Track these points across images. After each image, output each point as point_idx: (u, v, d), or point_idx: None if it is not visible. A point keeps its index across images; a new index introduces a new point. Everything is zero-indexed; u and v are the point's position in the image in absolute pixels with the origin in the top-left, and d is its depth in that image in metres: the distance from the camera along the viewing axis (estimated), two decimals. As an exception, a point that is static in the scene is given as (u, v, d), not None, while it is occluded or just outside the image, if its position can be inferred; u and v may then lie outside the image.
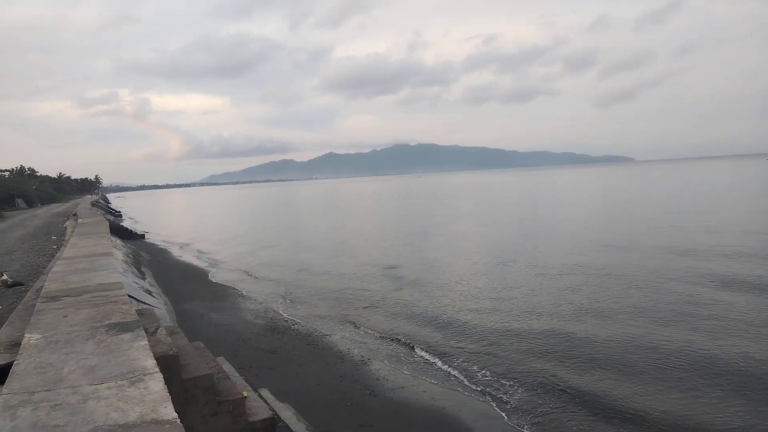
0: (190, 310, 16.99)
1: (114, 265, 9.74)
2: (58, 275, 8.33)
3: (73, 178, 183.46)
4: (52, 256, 16.65)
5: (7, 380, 3.62)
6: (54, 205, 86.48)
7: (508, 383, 10.64)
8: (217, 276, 24.66)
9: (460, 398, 10.20)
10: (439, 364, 12.00)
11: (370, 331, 14.73)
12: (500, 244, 29.56)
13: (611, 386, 10.15)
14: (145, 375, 3.60)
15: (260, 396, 7.15)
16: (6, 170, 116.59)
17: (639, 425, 8.67)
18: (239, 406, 5.54)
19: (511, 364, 11.59)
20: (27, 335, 4.77)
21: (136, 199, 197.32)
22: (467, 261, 24.87)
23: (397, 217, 54.52)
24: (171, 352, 5.02)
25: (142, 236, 42.26)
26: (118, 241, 30.12)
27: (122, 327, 4.93)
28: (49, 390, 3.41)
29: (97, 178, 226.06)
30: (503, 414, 9.40)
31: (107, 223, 26.40)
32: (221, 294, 20.21)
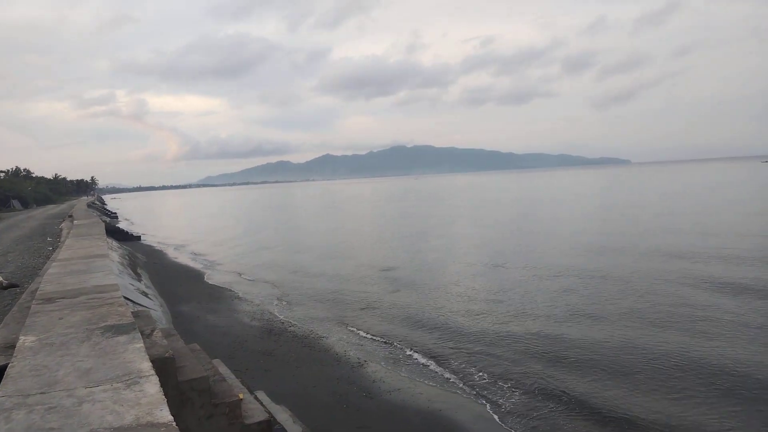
0: (186, 311, 16.95)
1: (110, 266, 9.71)
2: (53, 277, 8.30)
3: (69, 179, 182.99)
4: (48, 257, 16.58)
5: (1, 383, 3.60)
6: (50, 206, 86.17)
7: (505, 385, 10.65)
8: (213, 278, 24.62)
9: (456, 400, 10.20)
10: (436, 366, 12.00)
11: (366, 333, 14.72)
12: (497, 246, 29.59)
13: (607, 390, 10.17)
14: (140, 378, 3.59)
15: (256, 398, 7.13)
16: (1, 171, 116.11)
17: (633, 430, 8.68)
18: (235, 408, 5.53)
19: (507, 367, 11.60)
20: (22, 337, 4.75)
21: (133, 201, 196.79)
22: (463, 263, 24.89)
23: (394, 219, 54.51)
24: (167, 355, 5.00)
25: (138, 238, 42.15)
26: (114, 243, 30.03)
27: (118, 329, 4.91)
28: (44, 393, 3.39)
29: (93, 179, 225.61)
30: (499, 417, 9.41)
31: (103, 224, 26.32)
32: (217, 296, 20.17)
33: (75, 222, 27.38)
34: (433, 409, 9.77)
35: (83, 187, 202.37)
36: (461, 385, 10.89)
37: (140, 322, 5.87)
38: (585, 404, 9.58)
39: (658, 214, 41.46)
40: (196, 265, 28.89)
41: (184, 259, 31.90)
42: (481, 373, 11.35)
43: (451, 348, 13.06)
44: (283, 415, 8.20)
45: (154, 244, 39.66)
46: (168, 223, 70.18)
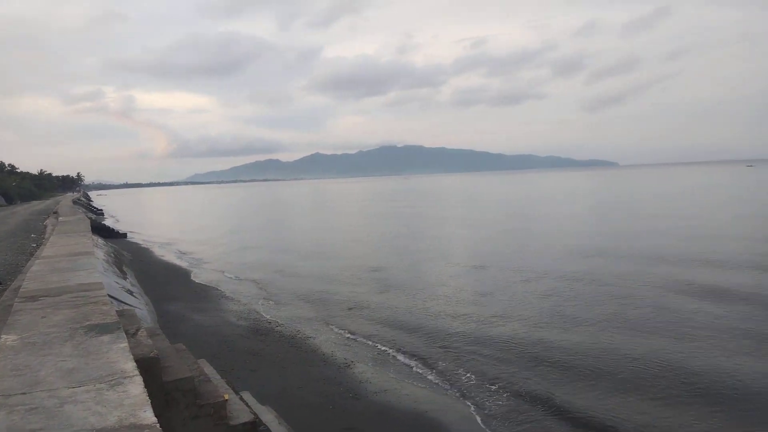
0: (171, 310, 16.82)
1: (95, 264, 9.60)
2: (37, 274, 8.19)
3: (54, 175, 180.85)
4: (32, 254, 16.39)
5: (-19, 383, 3.55)
6: (34, 202, 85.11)
7: (492, 387, 10.68)
8: (199, 276, 24.45)
9: (443, 402, 10.22)
10: (423, 367, 12.01)
11: (353, 334, 14.70)
12: (485, 247, 29.73)
13: (591, 394, 10.24)
14: (124, 378, 3.55)
15: (242, 399, 7.09)
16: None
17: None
18: (220, 409, 5.49)
19: (494, 369, 11.64)
20: (3, 336, 4.68)
21: (119, 198, 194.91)
22: (451, 263, 24.96)
23: (382, 219, 54.50)
24: (152, 355, 4.95)
25: (124, 235, 41.76)
26: (100, 240, 29.73)
27: (102, 328, 4.85)
28: (25, 393, 3.34)
29: (79, 175, 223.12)
30: (484, 420, 9.43)
31: (88, 221, 26.05)
32: (204, 295, 20.04)
33: (60, 219, 27.08)
34: (420, 410, 9.78)
35: (69, 183, 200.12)
36: (448, 386, 10.92)
37: (125, 322, 5.81)
38: (569, 408, 9.62)
39: (644, 216, 41.89)
40: (182, 264, 28.68)
41: (170, 257, 31.65)
42: (468, 375, 11.38)
43: (439, 349, 13.09)
44: (268, 416, 8.16)
45: (140, 242, 39.32)
46: (154, 221, 69.61)
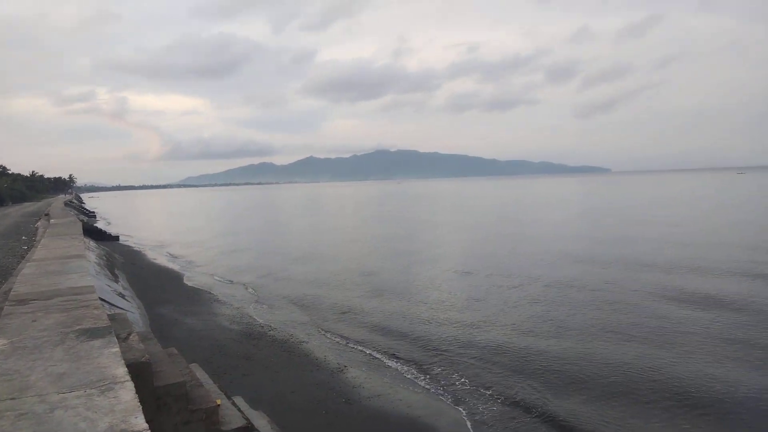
0: (164, 314, 16.71)
1: (86, 267, 9.54)
2: (27, 277, 8.13)
3: (46, 176, 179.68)
4: (22, 257, 16.25)
5: (-30, 388, 3.50)
6: (26, 204, 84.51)
7: (487, 393, 10.67)
8: (192, 279, 24.32)
9: (437, 407, 10.19)
10: (416, 372, 11.99)
11: (347, 338, 14.66)
12: (477, 252, 29.76)
13: (581, 401, 10.25)
14: (115, 383, 3.52)
15: (234, 404, 7.04)
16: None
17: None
18: (212, 414, 5.46)
19: (488, 375, 11.63)
20: (-7, 340, 4.63)
21: (111, 200, 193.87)
22: (444, 269, 24.95)
23: (375, 223, 54.49)
24: (143, 359, 4.92)
25: (117, 238, 41.50)
26: (92, 243, 29.53)
27: (93, 333, 4.82)
28: (15, 399, 3.31)
29: (71, 177, 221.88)
30: (475, 426, 9.42)
31: (80, 223, 25.88)
32: (196, 298, 19.93)
33: (51, 221, 26.90)
34: (413, 415, 9.75)
35: (61, 185, 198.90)
36: (442, 391, 10.89)
37: (116, 326, 5.77)
38: (559, 414, 9.60)
39: (635, 222, 42.11)
40: (174, 267, 28.53)
41: (162, 260, 31.48)
42: (463, 380, 11.37)
43: (432, 354, 13.07)
44: (260, 421, 8.11)
45: (133, 245, 39.09)
46: (147, 224, 69.22)
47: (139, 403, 3.19)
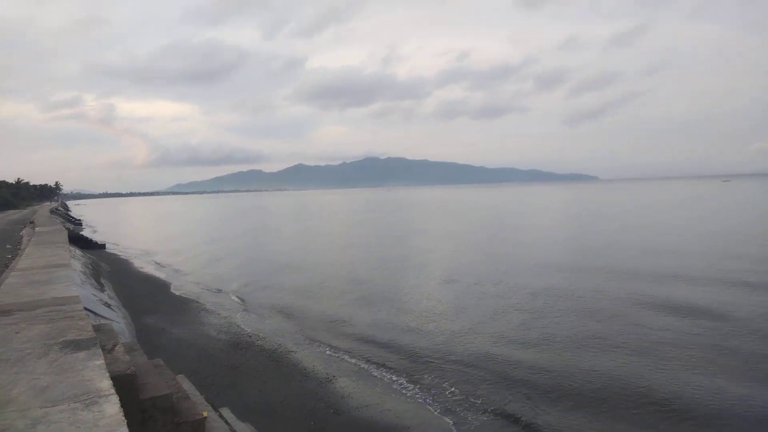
0: (150, 324, 16.55)
1: (72, 276, 9.44)
2: (11, 287, 8.02)
3: (32, 183, 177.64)
4: (6, 266, 16.01)
5: (-50, 402, 3.44)
6: (11, 211, 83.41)
7: (476, 402, 10.66)
8: (179, 288, 24.12)
9: (425, 417, 10.16)
10: (405, 382, 11.95)
11: (335, 348, 14.59)
12: (466, 261, 29.81)
13: (564, 408, 10.31)
14: (99, 397, 3.48)
15: (221, 416, 6.98)
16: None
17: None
18: (199, 427, 5.40)
19: (476, 384, 11.63)
20: (-25, 353, 4.56)
21: (98, 207, 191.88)
22: (433, 277, 24.99)
23: (364, 231, 54.46)
24: (129, 371, 4.86)
25: (103, 246, 41.07)
26: (77, 251, 29.22)
27: (77, 345, 4.76)
28: (-4, 413, 3.26)
29: (57, 184, 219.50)
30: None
31: (66, 232, 25.61)
32: (183, 307, 19.76)
33: (37, 229, 26.59)
34: (402, 426, 9.71)
35: (47, 192, 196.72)
36: (431, 401, 10.87)
37: (101, 337, 5.70)
38: (547, 423, 9.65)
39: (621, 230, 42.41)
40: (161, 275, 28.28)
41: (149, 268, 31.20)
42: (452, 389, 11.35)
43: (421, 363, 13.05)
44: (248, 432, 8.04)
45: (119, 253, 38.73)
46: (134, 231, 68.63)
47: (123, 417, 3.16)
